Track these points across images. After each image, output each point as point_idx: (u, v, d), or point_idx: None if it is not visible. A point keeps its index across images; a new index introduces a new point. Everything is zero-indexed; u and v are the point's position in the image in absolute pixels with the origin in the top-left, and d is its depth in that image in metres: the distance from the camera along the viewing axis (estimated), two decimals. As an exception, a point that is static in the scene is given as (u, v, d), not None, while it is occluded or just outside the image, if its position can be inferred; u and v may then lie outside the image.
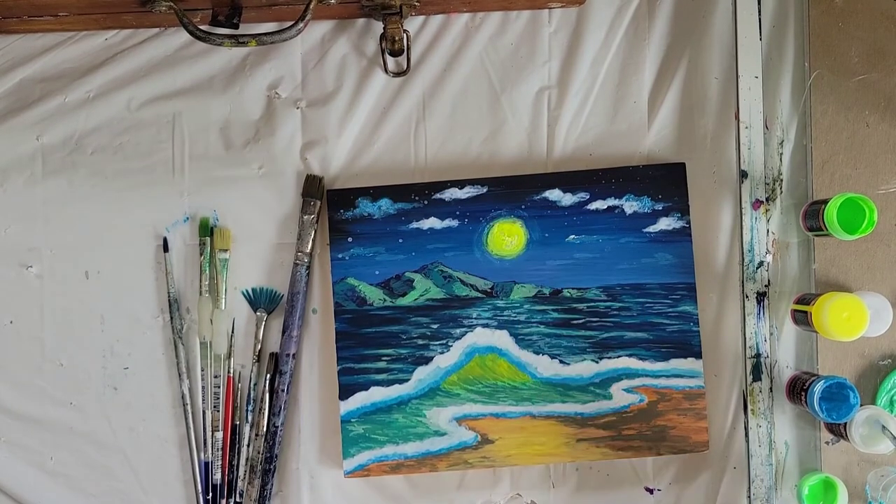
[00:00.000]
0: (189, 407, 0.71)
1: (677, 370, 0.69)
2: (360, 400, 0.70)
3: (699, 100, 0.71)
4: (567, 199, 0.70)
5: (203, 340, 0.71)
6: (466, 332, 0.70)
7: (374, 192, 0.70)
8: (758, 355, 0.69)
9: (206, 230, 0.71)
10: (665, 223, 0.70)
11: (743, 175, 0.69)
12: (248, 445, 0.70)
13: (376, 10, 0.68)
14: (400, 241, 0.69)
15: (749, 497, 0.69)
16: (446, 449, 0.69)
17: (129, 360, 0.72)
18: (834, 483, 0.66)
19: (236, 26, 0.68)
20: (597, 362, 0.70)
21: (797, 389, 0.67)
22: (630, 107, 0.72)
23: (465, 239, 0.70)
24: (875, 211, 0.64)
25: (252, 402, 0.71)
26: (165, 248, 0.71)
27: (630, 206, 0.70)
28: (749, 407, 0.69)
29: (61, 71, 0.72)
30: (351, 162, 0.72)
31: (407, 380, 0.70)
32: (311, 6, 0.63)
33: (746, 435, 0.69)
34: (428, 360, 0.69)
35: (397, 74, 0.71)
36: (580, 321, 0.70)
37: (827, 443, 0.69)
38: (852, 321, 0.64)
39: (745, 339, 0.69)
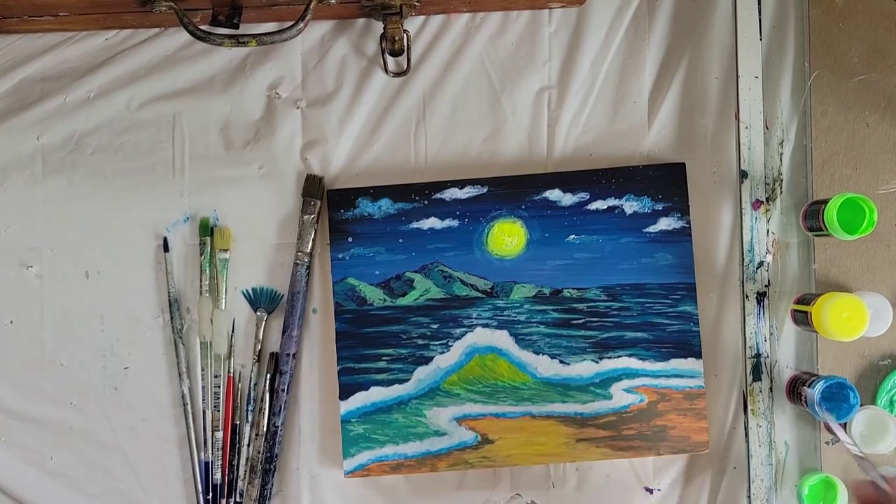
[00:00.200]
0: (189, 407, 0.71)
1: (677, 370, 0.69)
2: (360, 400, 0.70)
3: (699, 100, 0.71)
4: (567, 199, 0.70)
5: (203, 340, 0.71)
6: (466, 332, 0.70)
7: (375, 192, 0.70)
8: (758, 355, 0.69)
9: (207, 230, 0.71)
10: (665, 223, 0.70)
11: (743, 175, 0.69)
12: (249, 445, 0.70)
13: (376, 10, 0.68)
14: (400, 241, 0.69)
15: (749, 497, 0.69)
16: (446, 449, 0.69)
17: (129, 360, 0.72)
18: (834, 483, 0.66)
19: (236, 26, 0.68)
20: (597, 362, 0.70)
21: (797, 389, 0.67)
22: (630, 107, 0.72)
23: (465, 239, 0.70)
24: (875, 211, 0.64)
25: (252, 401, 0.71)
26: (166, 248, 0.71)
27: (630, 206, 0.70)
28: (749, 407, 0.69)
29: (61, 71, 0.72)
30: (351, 162, 0.72)
31: (407, 380, 0.70)
32: (312, 6, 0.63)
33: (746, 435, 0.69)
34: (428, 360, 0.69)
35: (397, 74, 0.71)
36: (580, 321, 0.70)
37: (827, 443, 0.69)
38: (852, 321, 0.64)
39: (745, 339, 0.69)
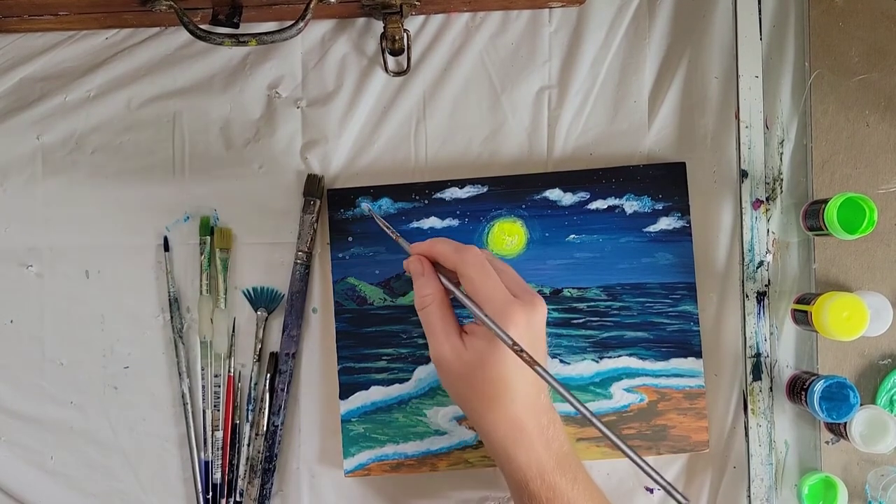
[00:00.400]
0: (189, 406, 0.71)
1: (677, 370, 0.69)
2: (360, 399, 0.70)
3: (699, 99, 0.72)
4: (567, 198, 0.70)
5: (203, 340, 0.71)
6: (467, 331, 0.69)
7: (375, 192, 0.70)
8: (758, 355, 0.69)
9: (207, 229, 0.71)
10: (665, 223, 0.70)
11: (743, 175, 0.69)
12: (248, 445, 0.70)
13: (376, 9, 0.68)
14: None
15: (749, 496, 0.69)
16: (446, 448, 0.69)
17: (130, 360, 0.72)
18: (834, 483, 0.66)
19: (236, 26, 0.68)
20: (597, 362, 0.70)
21: (797, 389, 0.67)
22: (630, 106, 0.72)
23: (465, 238, 0.70)
24: (875, 211, 0.64)
25: (252, 401, 0.71)
26: (166, 247, 0.71)
27: (630, 205, 0.70)
28: (749, 406, 0.69)
29: (61, 70, 0.72)
30: (351, 161, 0.72)
31: (407, 379, 0.70)
32: (312, 5, 0.63)
33: (746, 434, 0.69)
34: (428, 360, 0.69)
35: (397, 74, 0.71)
36: (580, 321, 0.70)
37: (827, 442, 0.69)
38: (852, 321, 0.64)
39: (745, 338, 0.69)
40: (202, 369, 0.71)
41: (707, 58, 0.71)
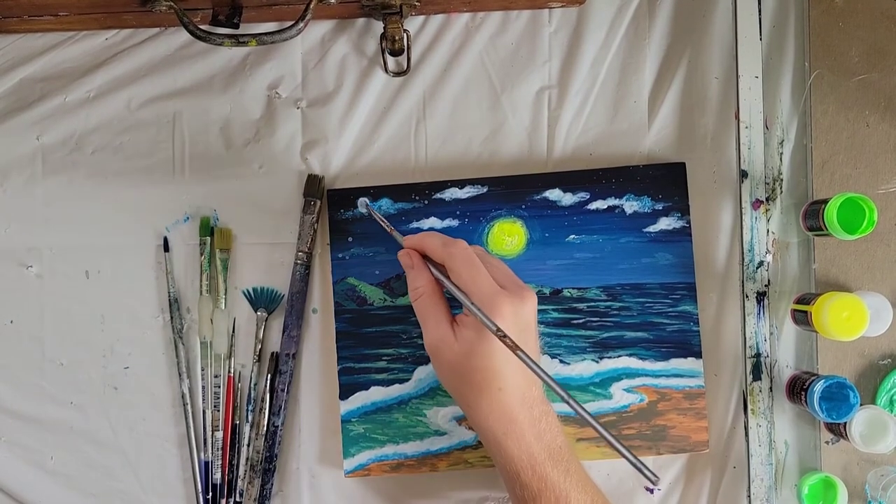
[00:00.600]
0: (189, 406, 0.71)
1: (677, 370, 0.69)
2: (360, 399, 0.70)
3: (699, 99, 0.72)
4: (567, 198, 0.70)
5: (203, 340, 0.71)
6: (467, 331, 0.69)
7: (375, 192, 0.70)
8: (758, 355, 0.69)
9: (207, 230, 0.71)
10: (665, 223, 0.70)
11: (743, 175, 0.69)
12: (248, 445, 0.70)
13: (376, 9, 0.68)
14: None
15: (749, 497, 0.69)
16: (446, 448, 0.69)
17: (130, 360, 0.72)
18: (834, 483, 0.66)
19: (236, 26, 0.68)
20: (597, 362, 0.70)
21: (797, 389, 0.67)
22: (630, 106, 0.72)
23: (465, 239, 0.69)
24: (875, 211, 0.64)
25: (252, 401, 0.71)
26: (166, 247, 0.71)
27: (630, 205, 0.70)
28: (749, 407, 0.69)
29: (61, 71, 0.72)
30: (351, 162, 0.72)
31: (407, 379, 0.70)
32: (312, 6, 0.63)
33: (746, 435, 0.69)
34: (428, 360, 0.69)
35: (397, 74, 0.71)
36: (580, 321, 0.70)
37: (827, 442, 0.69)
38: (852, 321, 0.64)
39: (745, 338, 0.69)
40: (202, 370, 0.71)
41: (707, 58, 0.71)
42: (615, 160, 0.71)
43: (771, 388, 0.69)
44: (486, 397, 0.60)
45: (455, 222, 0.70)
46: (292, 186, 0.72)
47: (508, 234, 0.70)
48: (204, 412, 0.71)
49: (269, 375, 0.71)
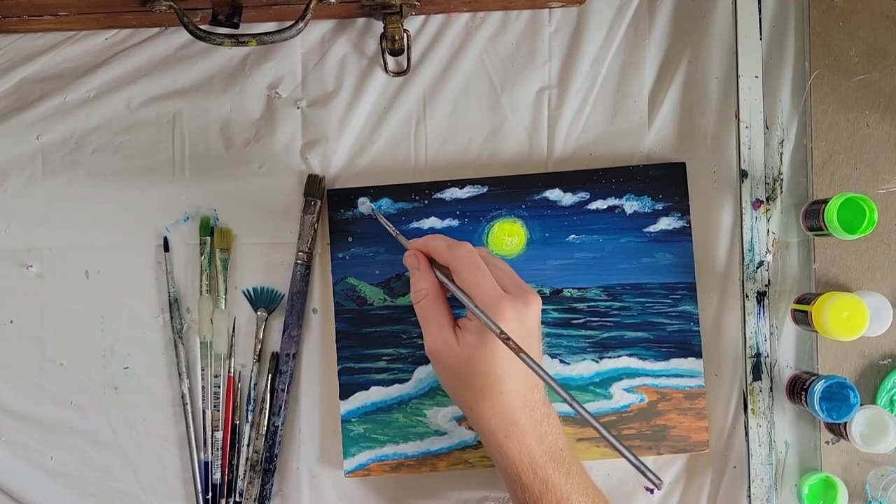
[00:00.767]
0: (189, 407, 0.71)
1: (677, 370, 0.69)
2: (360, 399, 0.70)
3: (699, 99, 0.72)
4: (567, 198, 0.70)
5: (203, 340, 0.71)
6: (467, 331, 0.69)
7: (375, 192, 0.70)
8: (758, 355, 0.69)
9: (207, 230, 0.71)
10: (665, 223, 0.70)
11: (743, 175, 0.69)
12: (248, 445, 0.70)
13: (376, 9, 0.68)
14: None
15: (749, 497, 0.69)
16: (446, 448, 0.69)
17: (129, 360, 0.72)
18: (834, 483, 0.66)
19: (236, 26, 0.68)
20: (597, 362, 0.70)
21: (797, 389, 0.67)
22: (630, 106, 0.72)
23: (465, 239, 0.69)
24: (875, 211, 0.64)
25: (252, 401, 0.71)
26: (166, 247, 0.71)
27: (630, 205, 0.70)
28: (749, 407, 0.69)
29: (61, 70, 0.72)
30: (351, 161, 0.72)
31: (407, 379, 0.70)
32: (312, 6, 0.63)
33: (746, 435, 0.69)
34: (428, 360, 0.69)
35: (397, 74, 0.71)
36: (580, 321, 0.70)
37: (827, 442, 0.69)
38: (852, 321, 0.64)
39: (745, 338, 0.69)
40: (202, 370, 0.71)
41: (707, 58, 0.71)
42: (615, 160, 0.71)
43: (771, 388, 0.69)
44: (488, 401, 0.60)
45: (455, 222, 0.70)
46: (292, 186, 0.72)
47: (508, 234, 0.70)
48: (204, 412, 0.71)
49: (270, 375, 0.71)
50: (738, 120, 0.69)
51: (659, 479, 0.56)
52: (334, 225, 0.70)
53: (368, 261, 0.70)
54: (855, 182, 0.69)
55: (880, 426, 0.66)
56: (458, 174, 0.71)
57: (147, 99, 0.72)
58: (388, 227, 0.67)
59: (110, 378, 0.72)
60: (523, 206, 0.70)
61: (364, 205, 0.69)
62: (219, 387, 0.71)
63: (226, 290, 0.71)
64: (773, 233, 0.70)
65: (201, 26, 0.64)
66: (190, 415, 0.71)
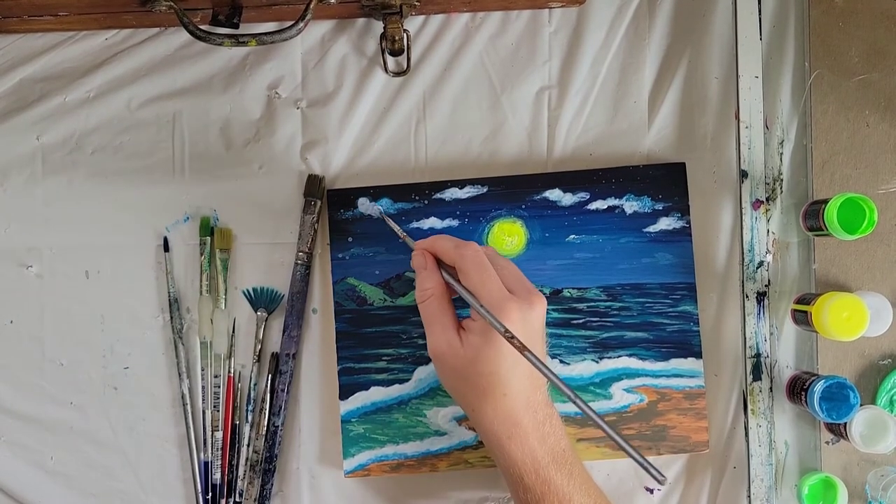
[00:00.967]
0: (189, 407, 0.71)
1: (677, 370, 0.69)
2: (360, 400, 0.70)
3: (699, 99, 0.72)
4: (567, 198, 0.70)
5: (203, 340, 0.71)
6: (467, 331, 0.69)
7: (375, 192, 0.70)
8: (758, 355, 0.69)
9: (207, 230, 0.71)
10: (665, 223, 0.70)
11: (743, 175, 0.69)
12: (248, 445, 0.70)
13: (376, 9, 0.68)
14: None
15: (749, 497, 0.69)
16: (446, 449, 0.69)
17: (129, 360, 0.72)
18: (834, 483, 0.66)
19: (236, 26, 0.68)
20: (597, 362, 0.70)
21: (797, 389, 0.67)
22: (630, 106, 0.72)
23: (465, 238, 0.69)
24: (875, 211, 0.64)
25: (252, 402, 0.71)
26: (166, 247, 0.71)
27: (630, 205, 0.70)
28: (749, 407, 0.69)
29: (61, 71, 0.72)
30: (351, 162, 0.72)
31: (407, 379, 0.70)
32: (312, 6, 0.63)
33: (746, 435, 0.69)
34: (428, 360, 0.69)
35: (397, 74, 0.71)
36: (580, 321, 0.70)
37: (827, 443, 0.69)
38: (852, 321, 0.64)
39: (745, 338, 0.69)
40: (202, 370, 0.71)
41: (707, 58, 0.71)
42: (615, 160, 0.71)
43: (771, 389, 0.69)
44: (491, 402, 0.60)
45: (455, 222, 0.70)
46: (292, 186, 0.72)
47: (508, 234, 0.70)
48: (204, 412, 0.71)
49: (269, 375, 0.71)
50: (738, 120, 0.69)
51: (663, 476, 0.56)
52: (334, 225, 0.71)
53: (368, 261, 0.70)
54: (855, 182, 0.69)
55: (880, 426, 0.66)
56: (458, 174, 0.71)
57: (147, 99, 0.72)
58: (395, 230, 0.67)
59: (110, 378, 0.72)
60: (523, 207, 0.70)
61: (372, 207, 0.69)
62: (219, 387, 0.71)
63: (226, 290, 0.71)
64: (773, 233, 0.70)
65: (201, 26, 0.64)
66: (190, 415, 0.71)
